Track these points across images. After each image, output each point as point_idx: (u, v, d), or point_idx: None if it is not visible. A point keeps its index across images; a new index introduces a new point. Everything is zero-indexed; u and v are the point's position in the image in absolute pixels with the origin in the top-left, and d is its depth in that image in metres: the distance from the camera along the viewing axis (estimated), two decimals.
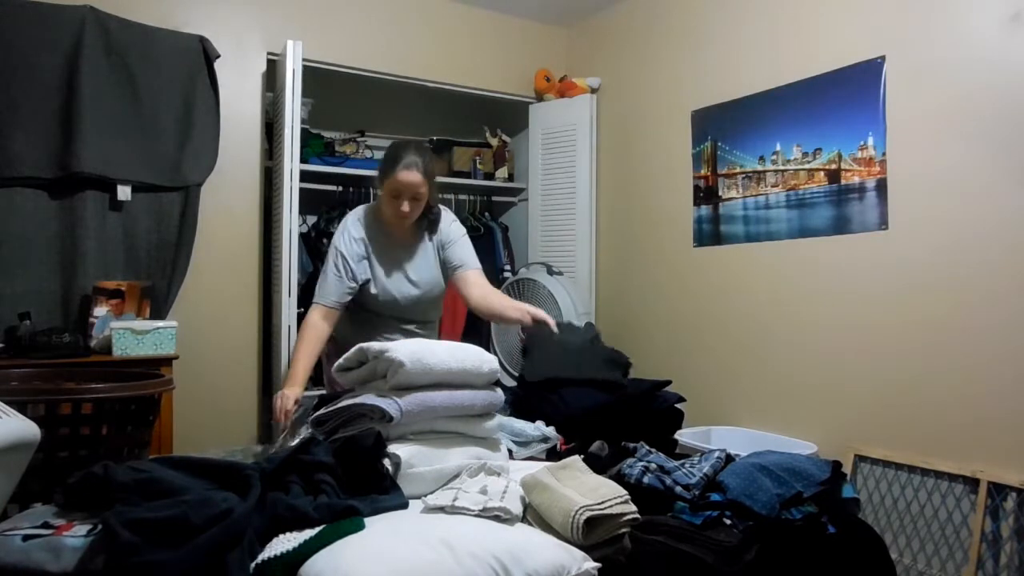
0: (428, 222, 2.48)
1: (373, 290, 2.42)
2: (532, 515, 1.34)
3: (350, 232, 2.43)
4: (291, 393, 2.18)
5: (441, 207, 2.52)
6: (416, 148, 2.39)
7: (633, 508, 1.32)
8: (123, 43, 2.89)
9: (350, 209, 3.58)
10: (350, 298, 2.41)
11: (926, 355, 2.42)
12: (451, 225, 2.53)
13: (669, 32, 3.44)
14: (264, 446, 2.02)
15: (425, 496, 1.36)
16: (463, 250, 2.50)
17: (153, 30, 2.97)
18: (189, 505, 1.09)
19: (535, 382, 2.08)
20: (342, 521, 1.18)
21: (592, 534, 1.25)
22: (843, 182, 2.68)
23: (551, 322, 2.25)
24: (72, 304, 2.80)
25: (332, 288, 2.38)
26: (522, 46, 3.98)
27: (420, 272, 2.47)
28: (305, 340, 2.34)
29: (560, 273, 3.54)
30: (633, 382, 2.15)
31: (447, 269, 2.49)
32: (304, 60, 3.08)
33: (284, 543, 1.12)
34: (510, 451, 1.79)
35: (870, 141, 2.59)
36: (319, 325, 2.36)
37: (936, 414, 2.39)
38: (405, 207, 2.33)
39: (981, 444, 2.27)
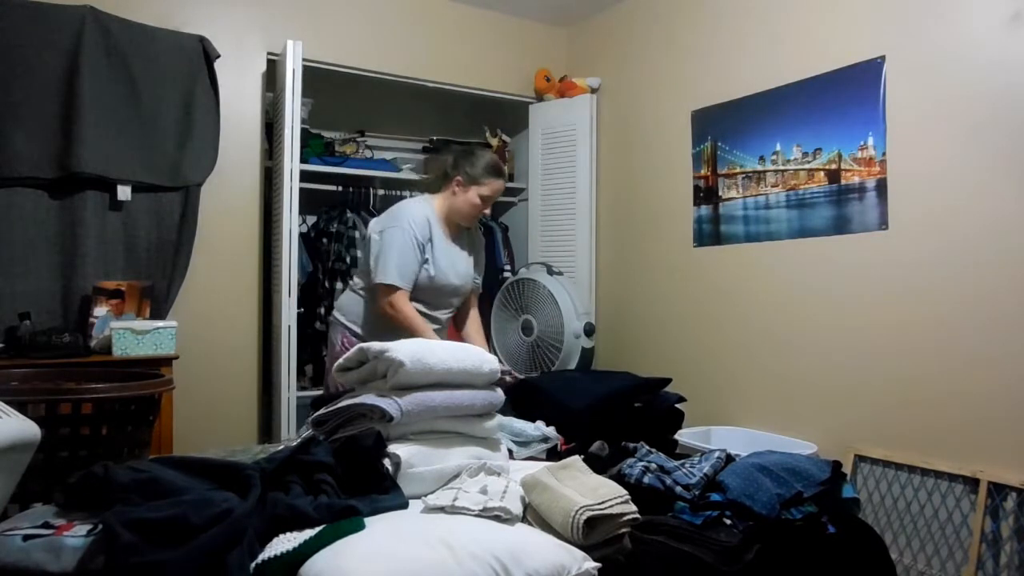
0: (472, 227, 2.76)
1: (432, 272, 2.54)
2: (532, 515, 1.34)
3: (419, 216, 2.54)
4: None
5: None
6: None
7: (633, 508, 1.32)
8: (123, 43, 2.89)
9: (351, 209, 3.62)
10: None
11: (926, 355, 2.42)
12: (483, 242, 2.87)
13: (669, 32, 3.44)
14: (264, 446, 2.02)
15: (425, 496, 1.36)
16: (481, 267, 2.84)
17: (153, 30, 2.97)
18: (189, 505, 1.09)
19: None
20: (342, 521, 1.18)
21: (592, 534, 1.25)
22: (843, 182, 2.68)
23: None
24: (72, 304, 2.80)
25: (411, 267, 2.48)
26: (522, 46, 3.98)
27: (461, 265, 2.69)
28: (419, 316, 2.50)
29: (560, 273, 3.54)
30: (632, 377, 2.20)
31: None
32: (304, 60, 3.08)
33: (284, 543, 1.12)
34: (510, 451, 1.79)
35: (870, 141, 2.59)
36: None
37: (936, 414, 2.38)
38: (487, 210, 2.71)
39: (981, 444, 2.27)
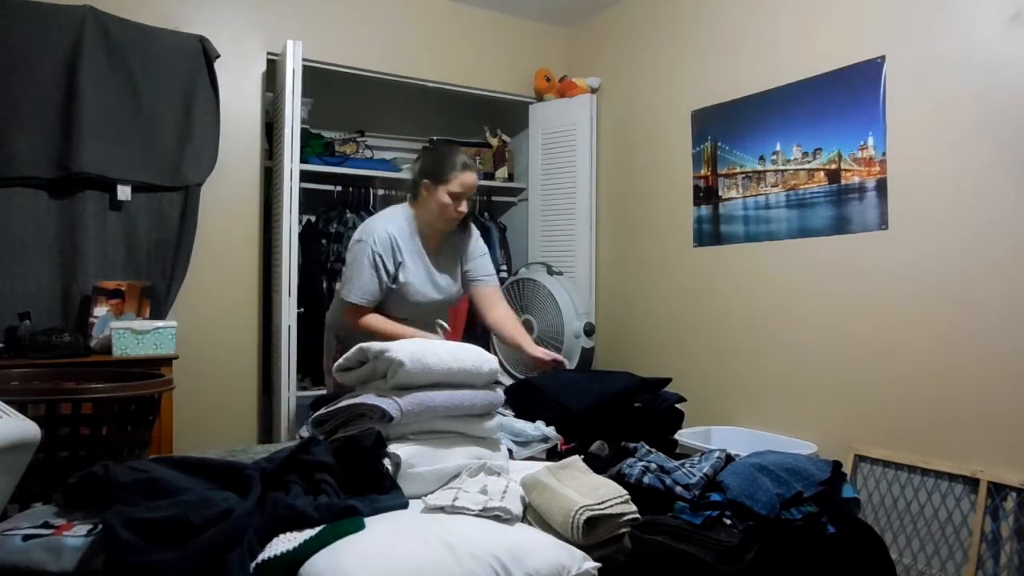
0: (458, 230, 2.57)
1: (406, 290, 2.41)
2: (532, 515, 1.34)
3: (382, 233, 2.39)
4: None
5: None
6: (461, 149, 2.49)
7: (633, 508, 1.32)
8: (123, 43, 2.89)
9: (350, 209, 3.62)
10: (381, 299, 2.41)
11: (926, 355, 2.42)
12: (477, 242, 2.64)
13: (669, 32, 3.44)
14: (264, 446, 2.02)
15: (425, 496, 1.36)
16: (485, 266, 2.62)
17: (153, 30, 2.97)
18: (189, 505, 1.09)
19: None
20: (342, 521, 1.18)
21: (592, 534, 1.25)
22: (843, 182, 2.68)
23: (564, 363, 2.44)
24: (72, 304, 2.80)
25: (370, 287, 2.35)
26: (522, 46, 3.98)
27: (445, 279, 2.53)
28: (390, 322, 2.39)
29: (560, 273, 3.54)
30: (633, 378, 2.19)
31: (467, 281, 2.60)
32: (304, 60, 3.08)
33: (284, 543, 1.12)
34: (510, 451, 1.79)
35: (870, 141, 2.59)
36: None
37: (936, 414, 2.39)
38: (463, 207, 2.41)
39: (981, 444, 2.27)
